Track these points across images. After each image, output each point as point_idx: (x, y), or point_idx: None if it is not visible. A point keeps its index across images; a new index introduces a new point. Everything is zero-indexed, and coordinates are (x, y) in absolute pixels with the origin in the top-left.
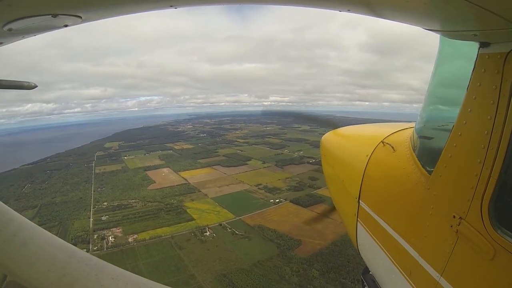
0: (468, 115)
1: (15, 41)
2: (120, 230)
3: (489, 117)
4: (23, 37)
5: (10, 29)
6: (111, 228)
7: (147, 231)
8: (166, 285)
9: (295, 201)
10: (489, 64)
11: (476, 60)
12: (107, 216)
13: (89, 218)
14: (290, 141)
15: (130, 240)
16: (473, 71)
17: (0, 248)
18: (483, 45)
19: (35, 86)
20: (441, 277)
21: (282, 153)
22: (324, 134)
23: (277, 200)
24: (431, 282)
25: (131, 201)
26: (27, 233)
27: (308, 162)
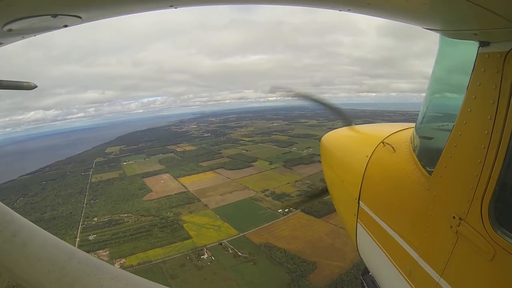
0: (468, 115)
1: (15, 41)
2: (107, 253)
3: (489, 117)
4: (23, 37)
5: (10, 30)
6: (97, 250)
7: (137, 253)
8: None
9: (307, 211)
10: (489, 64)
11: (476, 60)
12: (95, 235)
13: (76, 237)
14: (298, 137)
15: (116, 266)
16: (473, 70)
17: (0, 248)
18: (483, 44)
19: (35, 86)
20: (441, 278)
21: (290, 152)
22: (325, 132)
23: (286, 210)
24: (431, 283)
25: (123, 215)
26: (27, 233)
27: (319, 161)
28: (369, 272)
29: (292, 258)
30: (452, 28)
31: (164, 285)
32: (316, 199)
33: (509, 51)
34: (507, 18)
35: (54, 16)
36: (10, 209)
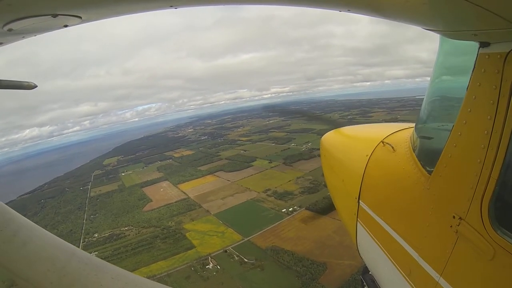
0: (468, 115)
1: (15, 41)
2: None
3: (489, 117)
4: (23, 37)
5: (10, 29)
6: None
7: (140, 269)
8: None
9: (312, 208)
10: (489, 64)
11: (476, 60)
12: (96, 252)
13: None
14: (295, 132)
15: None
16: (473, 71)
17: (0, 248)
18: (483, 45)
19: (35, 86)
20: (441, 277)
21: (289, 148)
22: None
23: (290, 209)
24: (430, 282)
25: (124, 228)
26: (27, 232)
27: (319, 155)
28: (369, 271)
29: (300, 261)
30: (452, 29)
31: None
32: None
33: (509, 52)
34: (507, 19)
35: (55, 16)
36: (9, 208)
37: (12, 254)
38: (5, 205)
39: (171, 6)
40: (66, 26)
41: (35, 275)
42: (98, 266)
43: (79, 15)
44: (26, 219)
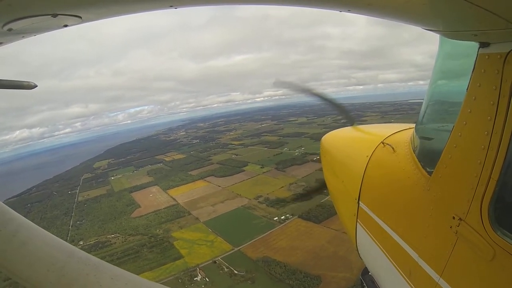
0: (468, 116)
1: (15, 41)
2: None
3: (489, 117)
4: (23, 37)
5: (10, 29)
6: None
7: None
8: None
9: (305, 216)
10: (489, 65)
11: (476, 61)
12: None
13: None
14: (288, 137)
15: None
16: (473, 71)
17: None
18: (483, 45)
19: (35, 86)
20: (441, 278)
21: (281, 152)
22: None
23: (282, 217)
24: (430, 283)
25: (110, 236)
26: (27, 233)
27: (312, 160)
28: (369, 272)
29: (293, 273)
30: (452, 29)
31: None
32: (314, 194)
33: (509, 52)
34: (507, 19)
35: (54, 16)
36: (9, 208)
37: (11, 254)
38: (5, 205)
39: (171, 6)
40: (66, 26)
41: (35, 275)
42: (97, 266)
43: (79, 15)
44: (25, 219)
